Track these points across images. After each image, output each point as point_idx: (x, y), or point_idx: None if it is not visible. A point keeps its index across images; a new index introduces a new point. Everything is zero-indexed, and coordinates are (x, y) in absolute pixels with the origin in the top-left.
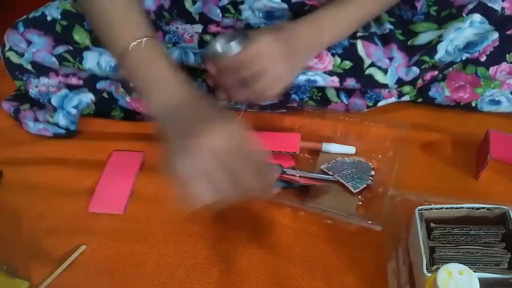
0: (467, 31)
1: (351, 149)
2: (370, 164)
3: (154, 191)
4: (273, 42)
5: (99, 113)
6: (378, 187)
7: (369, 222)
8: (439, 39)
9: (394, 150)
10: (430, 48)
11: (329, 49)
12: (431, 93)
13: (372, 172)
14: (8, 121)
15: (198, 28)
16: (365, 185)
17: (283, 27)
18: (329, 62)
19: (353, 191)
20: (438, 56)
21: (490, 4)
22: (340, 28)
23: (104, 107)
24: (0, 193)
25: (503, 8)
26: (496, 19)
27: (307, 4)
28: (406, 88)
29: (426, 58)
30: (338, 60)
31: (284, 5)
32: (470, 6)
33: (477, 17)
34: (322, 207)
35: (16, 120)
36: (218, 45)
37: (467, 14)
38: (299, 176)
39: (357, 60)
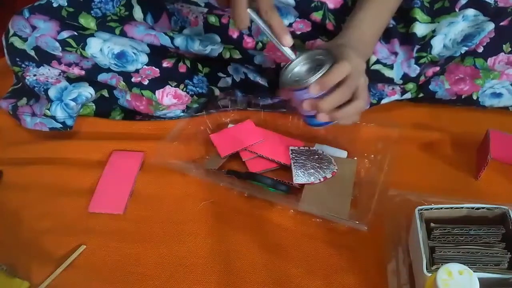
0: (461, 25)
1: (343, 153)
2: (334, 167)
3: (154, 191)
4: (358, 58)
5: (99, 113)
6: (368, 187)
7: (356, 222)
8: (433, 34)
9: (385, 151)
10: (425, 43)
11: None
12: (431, 87)
13: (329, 175)
14: (8, 121)
15: (203, 8)
16: (310, 183)
17: (348, 42)
18: None
19: (293, 181)
20: (435, 51)
21: None
22: (377, 27)
23: (104, 107)
24: (0, 193)
25: (495, 1)
26: (490, 10)
27: (314, 0)
28: (410, 85)
29: (423, 54)
30: None
31: (291, 1)
32: (463, 1)
33: (470, 11)
34: (312, 207)
35: (15, 117)
36: (311, 78)
37: (460, 9)
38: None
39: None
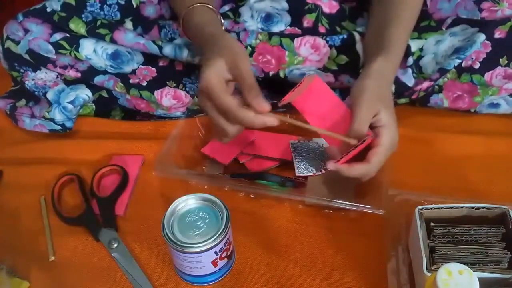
0: (449, 40)
1: None
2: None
3: (154, 191)
4: (396, 131)
5: (99, 113)
6: (371, 185)
7: (368, 206)
8: (420, 53)
9: None
10: (414, 65)
11: (326, 40)
12: (429, 106)
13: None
14: (8, 121)
15: None
16: (311, 174)
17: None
18: (325, 54)
19: (295, 173)
20: (427, 72)
21: (469, 17)
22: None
23: (104, 107)
24: (0, 193)
25: (482, 18)
26: (477, 22)
27: (308, 3)
28: (402, 100)
29: (413, 75)
30: (335, 52)
31: (285, 5)
32: (449, 21)
33: (457, 28)
34: (322, 198)
35: (12, 118)
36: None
37: (446, 28)
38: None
39: (354, 57)
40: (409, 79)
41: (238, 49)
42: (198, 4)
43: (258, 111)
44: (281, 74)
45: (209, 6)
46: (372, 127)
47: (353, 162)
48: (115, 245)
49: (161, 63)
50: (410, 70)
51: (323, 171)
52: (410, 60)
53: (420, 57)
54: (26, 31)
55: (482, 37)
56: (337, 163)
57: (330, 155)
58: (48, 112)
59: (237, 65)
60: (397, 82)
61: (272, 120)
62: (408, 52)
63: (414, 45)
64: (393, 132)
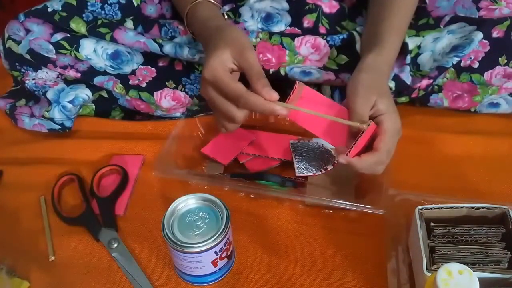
0: (447, 38)
1: None
2: (334, 158)
3: (154, 191)
4: (397, 117)
5: (99, 113)
6: (371, 184)
7: (368, 206)
8: (418, 50)
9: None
10: (412, 63)
11: (327, 40)
12: (429, 105)
13: (330, 166)
14: (8, 121)
15: None
16: (311, 174)
17: (381, 85)
18: (326, 53)
19: (295, 173)
20: (425, 68)
21: (467, 15)
22: (396, 46)
23: (104, 107)
24: (0, 193)
25: (480, 17)
26: (474, 20)
27: (309, 3)
28: (402, 99)
29: (411, 73)
30: (335, 52)
31: (285, 5)
32: (447, 18)
33: (455, 25)
34: (322, 198)
35: (11, 117)
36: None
37: (444, 26)
38: None
39: (354, 56)
40: (407, 77)
41: (245, 40)
42: (202, 0)
43: (267, 100)
44: (282, 72)
45: (213, 1)
46: (372, 118)
47: (362, 154)
48: (115, 245)
49: (160, 63)
50: (408, 68)
51: (323, 171)
52: (408, 58)
53: (418, 55)
54: (27, 31)
55: (479, 35)
56: (347, 155)
57: (338, 154)
58: (47, 112)
59: (244, 55)
60: (396, 80)
61: (281, 109)
62: (406, 50)
63: (412, 43)
64: (394, 118)
